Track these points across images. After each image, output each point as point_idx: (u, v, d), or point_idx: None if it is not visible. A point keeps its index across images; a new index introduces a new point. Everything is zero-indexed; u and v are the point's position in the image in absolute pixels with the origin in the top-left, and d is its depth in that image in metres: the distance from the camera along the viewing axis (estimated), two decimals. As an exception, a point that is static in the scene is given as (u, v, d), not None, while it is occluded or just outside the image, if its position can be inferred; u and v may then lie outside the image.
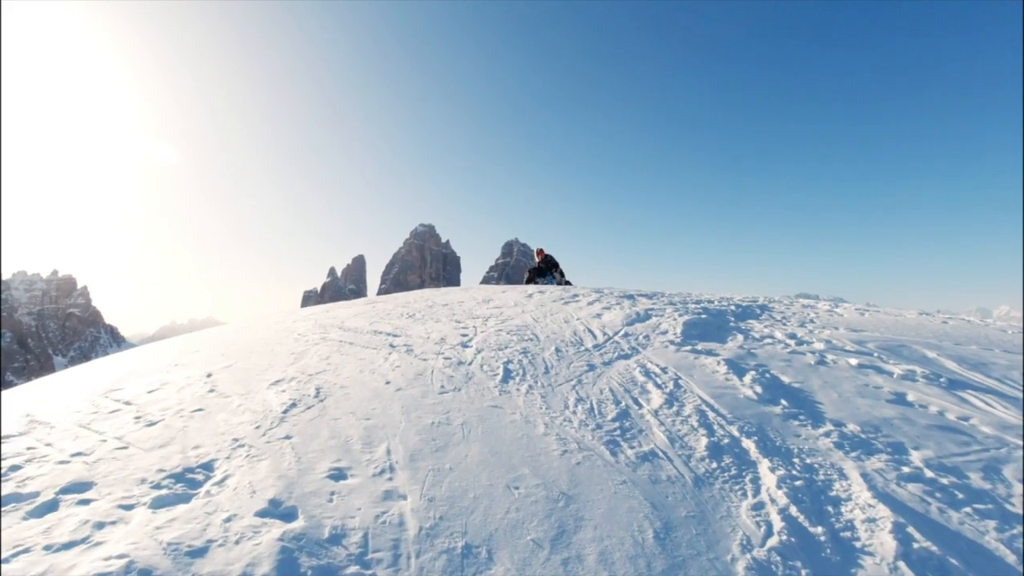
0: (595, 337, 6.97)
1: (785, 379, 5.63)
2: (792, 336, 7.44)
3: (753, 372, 5.76)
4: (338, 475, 3.49)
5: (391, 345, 6.12)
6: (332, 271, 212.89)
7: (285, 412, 4.37)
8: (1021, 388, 5.15)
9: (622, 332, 7.30)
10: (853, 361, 6.18)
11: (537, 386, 4.98)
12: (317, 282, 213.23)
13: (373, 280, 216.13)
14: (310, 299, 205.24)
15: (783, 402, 4.92)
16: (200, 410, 4.45)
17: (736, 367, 5.92)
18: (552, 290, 11.58)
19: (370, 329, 7.12)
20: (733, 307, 9.83)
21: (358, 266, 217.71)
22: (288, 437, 3.97)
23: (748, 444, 3.96)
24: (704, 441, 3.97)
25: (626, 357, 6.07)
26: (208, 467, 3.55)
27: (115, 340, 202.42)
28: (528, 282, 15.28)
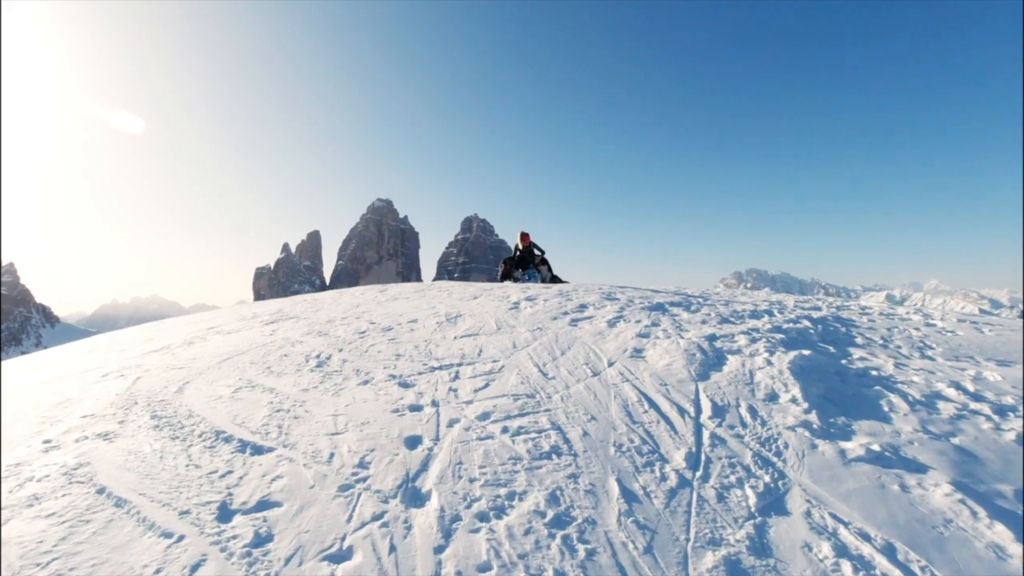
0: (669, 424, 3.58)
1: None
2: (959, 387, 4.53)
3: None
4: None
5: (222, 539, 2.38)
6: (286, 247, 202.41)
7: None
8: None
9: (707, 401, 3.98)
10: None
11: None
12: (271, 258, 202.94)
13: (330, 256, 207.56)
14: (262, 276, 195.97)
15: None
16: None
17: (993, 507, 2.75)
18: (541, 294, 8.15)
19: (218, 424, 3.41)
20: (808, 323, 6.72)
21: (313, 242, 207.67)
22: None
23: None
24: None
25: (775, 506, 2.70)
26: None
27: (48, 320, 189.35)
28: (504, 277, 11.74)
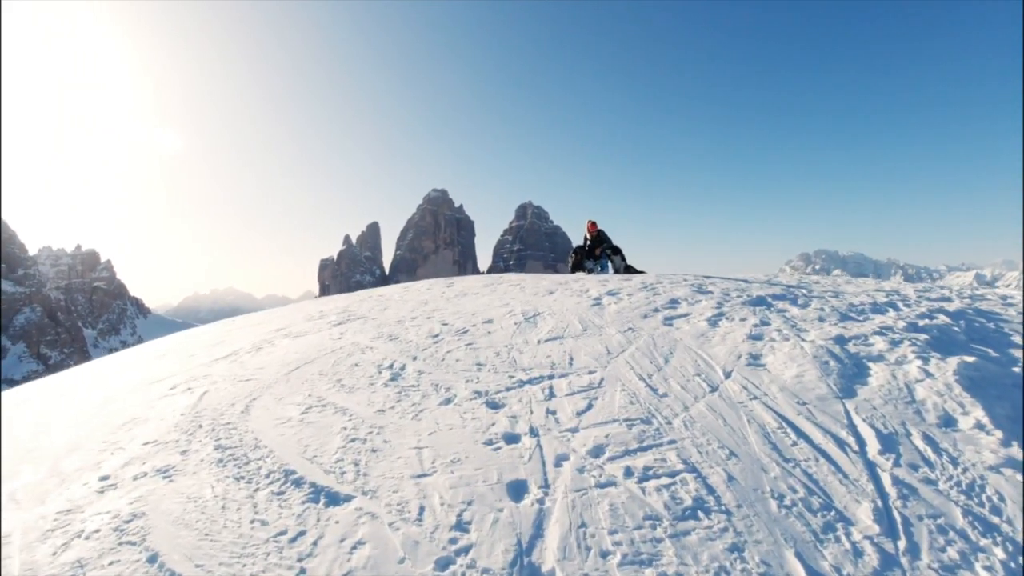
0: (831, 462, 2.82)
1: None
2: None
3: None
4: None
5: None
6: (347, 239, 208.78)
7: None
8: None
9: (866, 427, 3.19)
10: None
11: None
12: (334, 250, 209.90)
13: (388, 246, 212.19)
14: (326, 267, 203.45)
15: None
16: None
17: None
18: (623, 287, 7.40)
19: (286, 459, 2.86)
20: (945, 318, 5.68)
21: (373, 233, 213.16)
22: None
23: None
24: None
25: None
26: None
27: (141, 312, 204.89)
28: (575, 267, 11.04)
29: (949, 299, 6.92)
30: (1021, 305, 6.50)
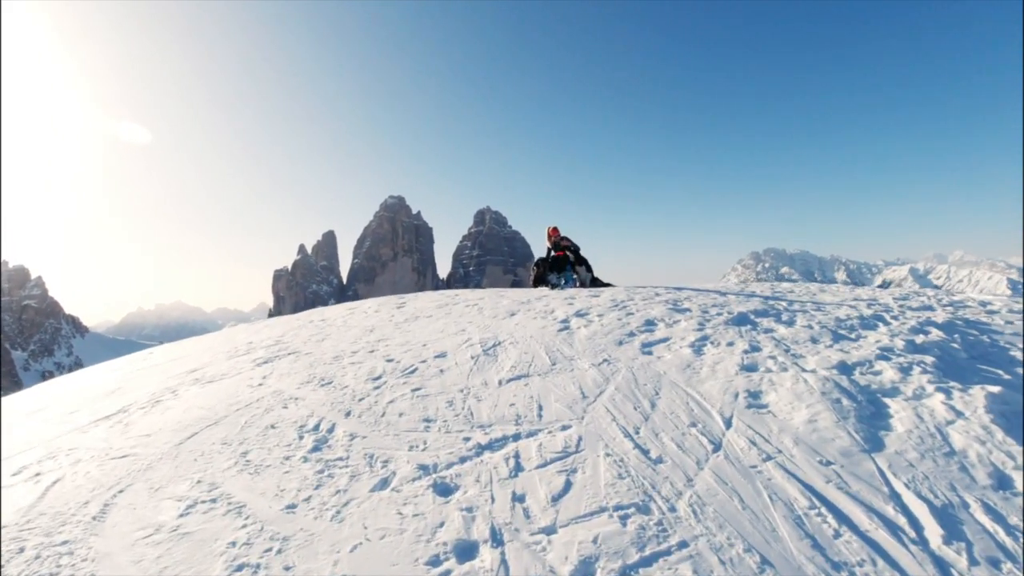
0: (892, 565, 2.13)
1: None
2: None
3: None
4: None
5: None
6: (302, 248, 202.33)
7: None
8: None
9: (914, 498, 2.53)
10: None
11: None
12: (289, 259, 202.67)
13: (345, 255, 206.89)
14: (281, 278, 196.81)
15: None
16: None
17: None
18: (592, 306, 6.70)
19: None
20: (939, 332, 5.35)
21: (329, 242, 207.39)
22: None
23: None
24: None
25: None
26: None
27: (78, 331, 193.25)
28: (537, 281, 10.21)
29: (931, 307, 6.55)
30: (1006, 313, 6.17)
